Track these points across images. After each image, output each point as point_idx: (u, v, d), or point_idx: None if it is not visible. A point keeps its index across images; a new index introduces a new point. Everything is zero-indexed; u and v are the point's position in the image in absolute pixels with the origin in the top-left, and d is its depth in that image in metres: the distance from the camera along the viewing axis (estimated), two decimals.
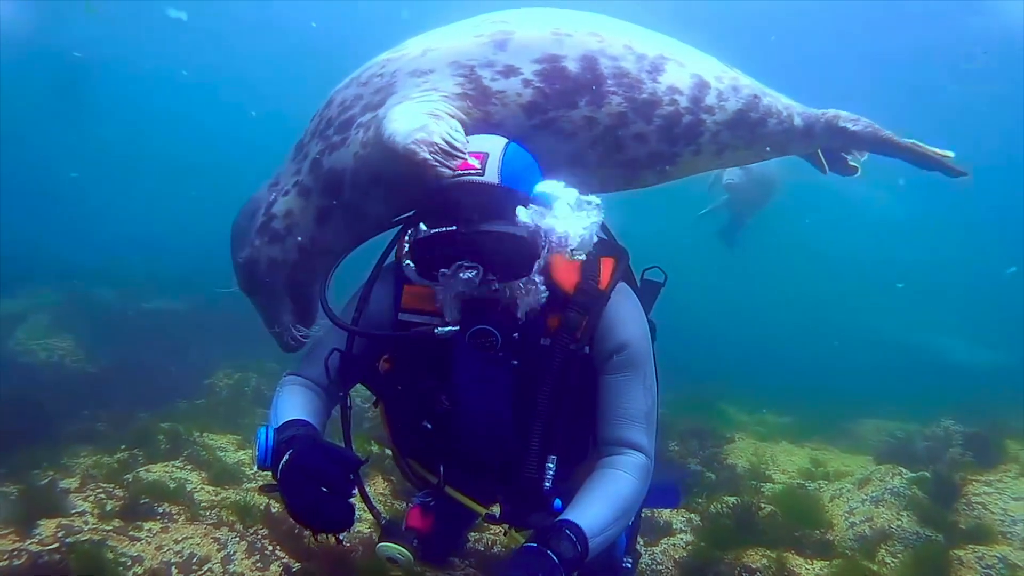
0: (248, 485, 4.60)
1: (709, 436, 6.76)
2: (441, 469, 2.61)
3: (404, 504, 4.32)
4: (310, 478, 1.99)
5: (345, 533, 2.16)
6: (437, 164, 2.11)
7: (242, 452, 5.28)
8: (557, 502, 2.34)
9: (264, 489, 2.22)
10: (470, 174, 2.16)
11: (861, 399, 9.33)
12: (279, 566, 3.34)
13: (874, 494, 4.88)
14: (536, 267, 2.17)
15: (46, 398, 6.31)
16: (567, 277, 2.35)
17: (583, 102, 2.45)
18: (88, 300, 10.36)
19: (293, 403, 2.42)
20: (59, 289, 10.53)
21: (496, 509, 2.60)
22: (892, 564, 4.11)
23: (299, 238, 2.53)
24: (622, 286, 2.47)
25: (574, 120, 2.46)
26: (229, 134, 25.49)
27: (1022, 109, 17.53)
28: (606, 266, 2.42)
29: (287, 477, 2.02)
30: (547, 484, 2.35)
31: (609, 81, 2.47)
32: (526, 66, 2.42)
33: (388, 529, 2.46)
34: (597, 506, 2.21)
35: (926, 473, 5.00)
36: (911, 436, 7.03)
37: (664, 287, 2.87)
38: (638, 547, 3.74)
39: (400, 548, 2.39)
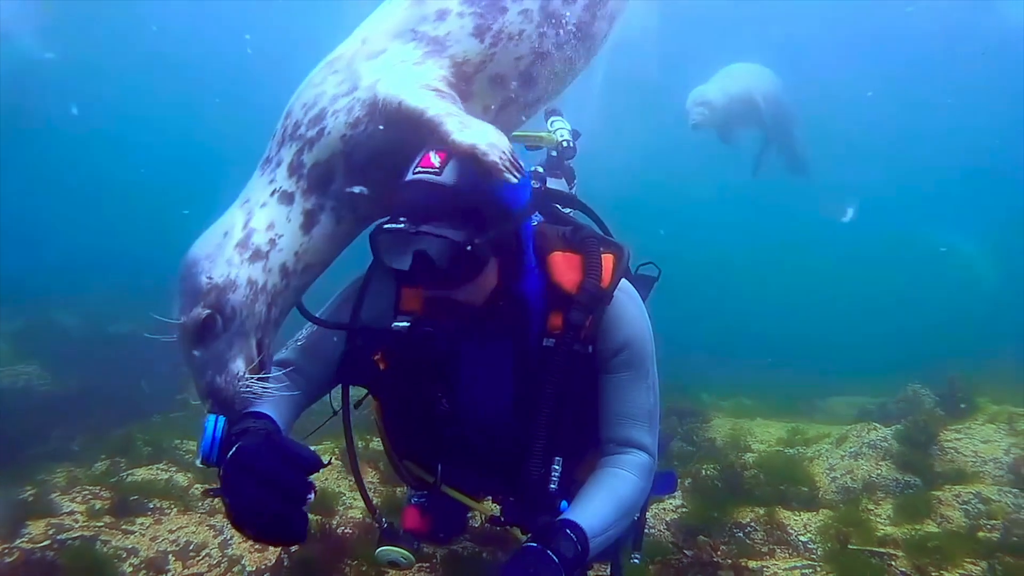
0: None
1: (687, 414, 6.86)
2: (439, 468, 2.58)
3: (393, 491, 4.32)
4: (259, 480, 1.72)
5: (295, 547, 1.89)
6: (505, 170, 2.02)
7: None
8: (563, 504, 2.32)
9: (208, 492, 1.95)
10: (427, 171, 2.07)
11: (834, 379, 9.49)
12: (277, 548, 3.32)
13: (852, 449, 5.04)
14: (482, 274, 2.13)
15: (15, 423, 6.13)
16: (568, 276, 2.32)
17: (508, 2, 2.53)
18: (49, 325, 10.03)
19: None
20: (16, 314, 10.18)
21: (489, 501, 2.59)
22: (875, 510, 4.24)
23: (282, 257, 2.25)
24: (624, 283, 2.41)
25: (513, 20, 2.52)
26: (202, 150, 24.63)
27: None
28: (607, 263, 2.36)
29: (230, 476, 1.76)
30: (553, 486, 2.33)
31: None
32: (451, 4, 2.49)
33: (388, 533, 2.44)
34: (599, 505, 2.19)
35: (899, 426, 5.17)
36: (884, 405, 7.21)
37: (657, 282, 2.90)
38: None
39: (402, 551, 2.39)
